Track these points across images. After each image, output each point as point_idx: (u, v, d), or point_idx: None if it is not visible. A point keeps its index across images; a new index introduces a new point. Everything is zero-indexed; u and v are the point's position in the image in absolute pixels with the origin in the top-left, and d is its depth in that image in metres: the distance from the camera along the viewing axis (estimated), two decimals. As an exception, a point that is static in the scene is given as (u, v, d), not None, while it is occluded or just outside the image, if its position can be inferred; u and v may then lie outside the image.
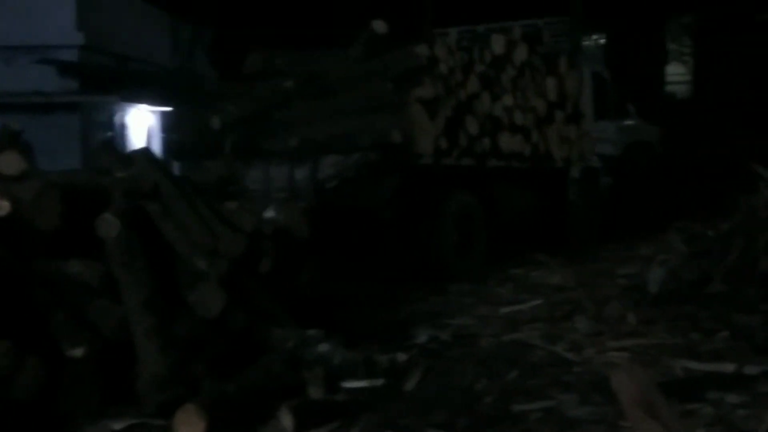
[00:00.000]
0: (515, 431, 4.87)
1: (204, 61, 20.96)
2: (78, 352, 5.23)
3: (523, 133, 11.12)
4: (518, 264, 10.66)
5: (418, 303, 8.62)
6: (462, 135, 10.11)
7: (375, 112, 9.64)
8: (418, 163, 9.71)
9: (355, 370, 5.87)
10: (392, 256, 10.00)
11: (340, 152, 9.82)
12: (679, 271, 8.69)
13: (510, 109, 10.89)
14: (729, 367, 5.99)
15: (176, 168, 11.28)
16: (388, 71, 9.87)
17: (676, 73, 16.99)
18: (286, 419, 4.99)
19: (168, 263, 6.04)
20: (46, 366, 5.10)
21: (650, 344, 6.73)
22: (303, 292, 7.11)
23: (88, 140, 14.18)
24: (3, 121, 6.84)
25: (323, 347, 5.94)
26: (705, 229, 9.61)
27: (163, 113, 16.45)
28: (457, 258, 10.18)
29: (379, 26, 10.26)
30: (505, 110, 10.81)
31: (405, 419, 5.13)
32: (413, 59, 9.75)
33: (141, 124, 16.42)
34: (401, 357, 6.39)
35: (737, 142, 17.14)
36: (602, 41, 17.54)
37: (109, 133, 15.03)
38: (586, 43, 14.52)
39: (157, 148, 15.15)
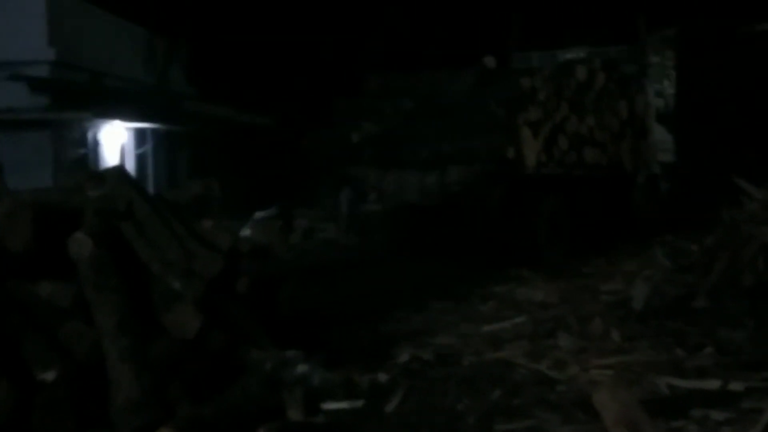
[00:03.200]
0: (499, 452, 4.77)
1: (181, 78, 20.85)
2: (50, 375, 5.07)
3: (601, 147, 13.84)
4: (501, 281, 10.58)
5: (400, 322, 8.51)
6: (555, 150, 12.84)
7: (491, 132, 12.30)
8: (523, 173, 12.33)
9: (335, 391, 5.76)
10: (496, 246, 12.17)
11: (462, 163, 12.35)
12: (664, 286, 8.66)
13: (591, 128, 13.62)
14: (714, 384, 5.93)
15: (151, 186, 11.16)
16: (498, 98, 12.55)
17: (659, 87, 17.56)
18: (265, 443, 4.86)
19: (142, 284, 5.90)
20: (17, 390, 4.94)
21: (634, 361, 6.66)
22: (282, 311, 6.98)
23: (60, 158, 13.99)
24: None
25: (302, 368, 5.83)
26: (689, 244, 9.60)
27: (138, 130, 16.32)
28: (547, 248, 12.42)
29: (489, 61, 13.77)
30: (587, 129, 13.54)
31: (387, 441, 5.02)
32: (519, 89, 12.51)
33: (115, 141, 16.24)
34: (382, 377, 6.29)
35: (720, 156, 17.67)
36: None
37: (82, 151, 14.85)
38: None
39: (130, 165, 15.01)
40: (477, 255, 12.06)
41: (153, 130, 17.88)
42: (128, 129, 16.60)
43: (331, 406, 5.61)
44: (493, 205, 12.23)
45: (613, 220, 14.15)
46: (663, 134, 16.73)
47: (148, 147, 17.86)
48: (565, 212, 12.90)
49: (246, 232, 7.38)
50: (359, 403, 5.70)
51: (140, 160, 17.40)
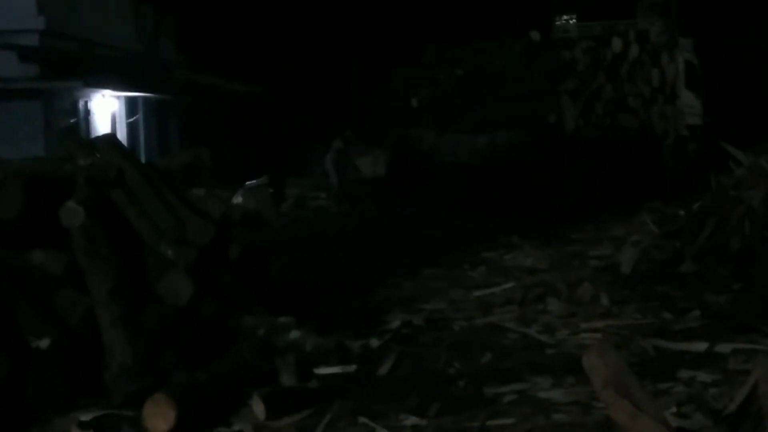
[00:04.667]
0: (488, 414, 4.85)
1: (170, 46, 20.69)
2: (43, 343, 5.13)
3: (634, 112, 15.55)
4: (491, 247, 10.65)
5: (391, 288, 8.57)
6: (592, 115, 14.73)
7: (534, 99, 14.24)
8: (562, 136, 14.17)
9: (327, 356, 5.82)
10: (537, 201, 13.66)
11: (509, 127, 14.23)
12: (651, 251, 8.73)
13: (625, 95, 15.46)
14: (701, 346, 6.01)
15: (142, 155, 11.16)
16: (542, 68, 14.62)
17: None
18: (259, 407, 4.94)
19: (135, 252, 5.93)
20: (11, 358, 4.99)
21: (623, 325, 6.73)
22: (274, 279, 7.03)
23: (50, 127, 13.92)
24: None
25: (295, 334, 5.88)
26: (676, 209, 9.66)
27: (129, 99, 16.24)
28: (583, 203, 13.83)
29: (534, 35, 15.81)
30: (621, 96, 15.36)
31: (378, 405, 5.09)
32: (560, 60, 14.61)
33: (106, 110, 16.15)
34: (374, 343, 6.36)
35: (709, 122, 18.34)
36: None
37: (73, 120, 14.77)
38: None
39: (122, 134, 14.96)
40: (519, 210, 13.24)
41: (144, 99, 17.80)
42: (119, 98, 16.52)
43: (323, 371, 5.67)
44: (536, 166, 13.97)
45: (643, 179, 15.20)
46: (691, 99, 17.74)
47: (139, 116, 17.78)
48: (600, 171, 14.49)
49: (237, 200, 7.41)
50: (352, 368, 5.77)
51: (131, 129, 17.33)
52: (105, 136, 6.96)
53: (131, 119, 17.40)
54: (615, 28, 17.42)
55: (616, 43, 15.43)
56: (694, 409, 4.73)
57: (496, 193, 14.30)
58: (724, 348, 5.92)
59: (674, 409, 4.70)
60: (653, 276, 8.12)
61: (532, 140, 14.19)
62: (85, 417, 4.90)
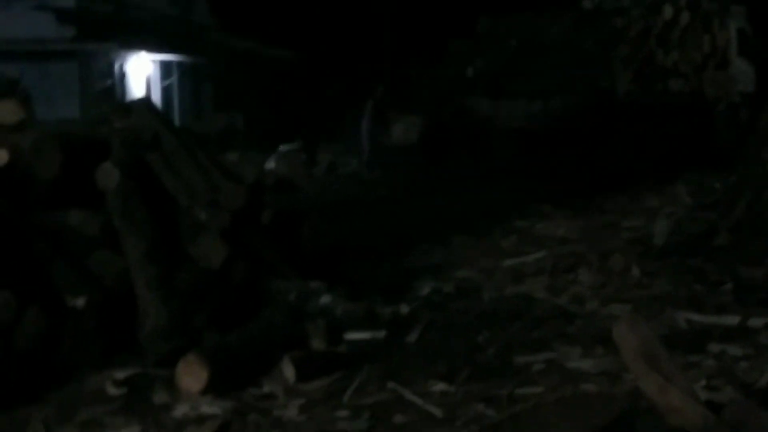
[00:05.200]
0: (516, 382, 4.86)
1: (204, 10, 20.70)
2: (79, 302, 5.23)
3: (685, 78, 16.08)
4: (523, 216, 10.60)
5: (422, 255, 8.57)
6: (643, 81, 15.53)
7: (588, 66, 15.22)
8: (615, 102, 14.93)
9: (357, 321, 5.86)
10: (588, 165, 13.88)
11: (563, 94, 15.09)
12: (685, 223, 8.65)
13: (676, 61, 16.01)
14: (732, 320, 5.96)
15: (176, 119, 11.25)
16: (594, 36, 15.56)
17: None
18: (289, 370, 5.00)
19: (169, 214, 6.00)
20: (48, 317, 5.09)
21: (654, 296, 6.68)
22: (305, 244, 7.07)
23: (86, 89, 14.05)
24: (1, 70, 6.76)
25: (325, 299, 5.93)
26: (712, 181, 9.54)
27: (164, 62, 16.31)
28: (634, 164, 14.00)
29: (587, 3, 16.51)
30: (673, 62, 15.95)
31: (407, 370, 5.13)
32: (612, 27, 15.45)
33: (141, 73, 16.25)
34: (404, 309, 6.38)
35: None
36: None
37: (108, 82, 14.89)
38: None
39: (156, 97, 15.06)
40: (565, 175, 13.55)
41: (178, 63, 17.87)
42: (154, 61, 16.61)
43: (353, 336, 5.71)
44: (588, 129, 14.68)
45: (694, 144, 15.43)
46: (744, 66, 17.74)
47: (174, 79, 17.86)
48: (652, 135, 14.88)
49: (270, 165, 7.44)
50: (381, 334, 5.80)
51: (166, 92, 17.43)
52: (140, 100, 7.03)
53: (166, 82, 17.49)
54: None
55: (667, 11, 16.01)
56: (724, 383, 4.71)
57: (547, 157, 14.72)
58: (756, 322, 5.86)
59: (704, 382, 4.68)
60: (686, 248, 8.03)
61: (586, 106, 15.06)
62: (120, 375, 5.00)
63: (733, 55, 17.42)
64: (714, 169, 12.65)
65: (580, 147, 14.71)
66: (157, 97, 16.30)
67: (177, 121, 15.90)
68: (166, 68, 17.39)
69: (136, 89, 15.51)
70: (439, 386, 4.86)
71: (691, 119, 16.10)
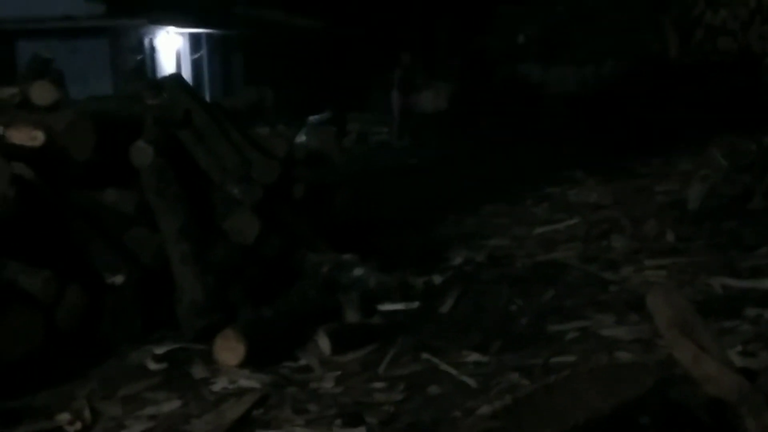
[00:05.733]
0: (550, 351, 4.87)
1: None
2: (118, 279, 5.33)
3: (733, 35, 16.55)
4: (555, 183, 10.54)
5: (453, 225, 8.58)
6: (693, 41, 16.13)
7: (637, 30, 15.91)
8: (666, 64, 15.41)
9: (390, 293, 5.90)
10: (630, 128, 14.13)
11: (614, 57, 15.69)
12: (720, 186, 8.54)
13: (724, 19, 16.50)
14: (768, 284, 5.91)
15: (206, 92, 11.31)
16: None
17: None
18: (324, 343, 5.06)
19: (202, 191, 6.07)
20: (88, 294, 5.20)
21: (689, 262, 6.63)
22: (337, 216, 7.11)
23: (117, 65, 14.14)
24: (33, 48, 6.82)
25: (358, 271, 5.98)
26: (748, 143, 9.40)
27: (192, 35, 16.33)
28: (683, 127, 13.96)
29: None
30: (721, 20, 16.43)
31: (440, 341, 5.17)
32: None
33: (170, 47, 16.31)
34: (436, 279, 6.40)
35: None
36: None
37: (139, 57, 14.97)
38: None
39: (186, 71, 15.12)
40: (626, 136, 13.76)
41: (207, 35, 17.91)
42: (183, 35, 16.66)
43: (387, 307, 5.75)
44: (635, 93, 14.93)
45: (743, 99, 15.46)
46: None
47: (203, 52, 17.92)
48: (701, 95, 15.08)
49: (301, 138, 7.47)
50: (414, 305, 5.84)
51: (195, 66, 17.50)
52: (172, 76, 7.06)
53: (195, 56, 17.55)
54: None
55: None
56: (761, 348, 4.68)
57: (596, 122, 14.98)
58: (792, 285, 5.82)
59: (740, 348, 4.65)
60: (721, 212, 7.94)
61: (638, 69, 15.52)
62: (159, 350, 5.10)
63: None
64: (749, 130, 12.44)
65: (630, 111, 14.86)
66: (187, 71, 16.37)
67: (207, 95, 15.98)
68: (195, 41, 17.44)
69: (166, 64, 15.59)
70: (473, 356, 4.89)
71: (741, 74, 16.28)
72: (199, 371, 4.84)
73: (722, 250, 6.90)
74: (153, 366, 4.95)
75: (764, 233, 7.16)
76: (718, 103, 14.99)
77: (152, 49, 15.66)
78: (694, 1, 16.51)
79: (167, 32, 15.92)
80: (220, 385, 4.66)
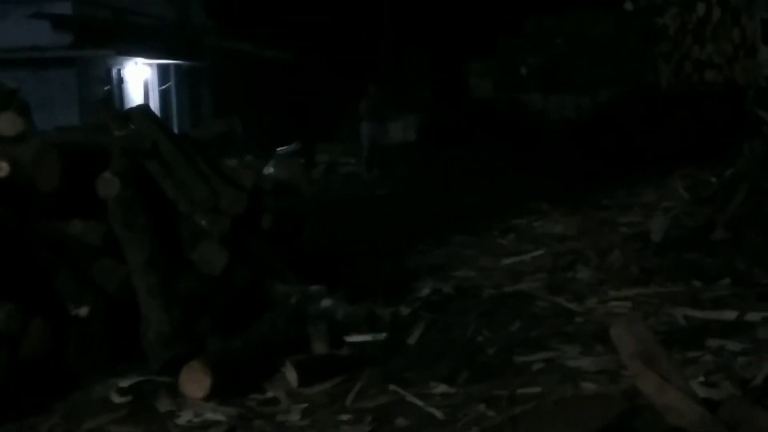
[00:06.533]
0: (516, 382, 4.90)
1: (201, 13, 20.73)
2: (83, 311, 5.28)
3: (718, 68, 17.69)
4: (521, 214, 10.64)
5: (421, 255, 8.62)
6: (682, 73, 17.14)
7: (631, 62, 17.02)
8: (658, 93, 16.62)
9: (358, 324, 5.91)
10: (631, 146, 15.53)
11: (610, 87, 16.96)
12: (682, 218, 8.68)
13: (710, 53, 17.57)
14: (731, 315, 5.99)
15: (174, 123, 11.30)
16: (636, 34, 17.16)
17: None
18: (291, 374, 5.05)
19: (170, 222, 6.05)
20: (52, 326, 5.14)
21: (652, 293, 6.72)
22: (305, 247, 7.12)
23: (85, 95, 14.08)
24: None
25: (326, 302, 5.98)
26: (709, 175, 9.57)
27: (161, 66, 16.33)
28: (675, 148, 15.14)
29: (628, 5, 17.88)
30: (707, 54, 17.49)
31: (408, 372, 5.18)
32: (653, 25, 16.98)
33: (138, 78, 16.28)
34: (404, 310, 6.42)
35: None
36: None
37: (107, 88, 14.92)
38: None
39: (154, 102, 15.08)
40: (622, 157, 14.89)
41: (176, 66, 17.91)
42: (151, 65, 16.64)
43: (354, 338, 5.75)
44: (631, 119, 16.40)
45: (728, 126, 16.33)
46: None
47: (171, 83, 17.90)
48: (692, 121, 16.47)
49: (269, 169, 7.48)
50: (382, 336, 5.84)
51: (164, 96, 17.47)
52: (139, 107, 7.05)
53: (163, 86, 17.53)
54: None
55: (700, 7, 17.50)
56: (723, 378, 4.74)
57: (591, 145, 16.38)
58: (754, 316, 5.88)
59: (702, 378, 4.70)
60: (684, 243, 8.06)
61: (632, 97, 16.90)
62: (124, 383, 5.05)
63: (760, 43, 18.68)
64: (709, 162, 12.70)
65: (623, 135, 16.20)
66: (155, 102, 16.35)
67: (175, 126, 15.97)
68: (163, 72, 17.43)
69: (134, 94, 15.55)
70: (441, 388, 4.90)
71: (726, 104, 17.25)
72: (164, 404, 4.80)
73: (685, 281, 6.99)
74: (118, 399, 4.90)
75: (726, 265, 7.28)
76: (704, 129, 16.09)
77: (120, 79, 15.62)
78: (683, 37, 17.65)
79: (135, 63, 15.91)
80: (185, 418, 4.63)
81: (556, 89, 18.04)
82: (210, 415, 4.63)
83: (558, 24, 19.26)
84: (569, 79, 17.82)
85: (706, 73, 17.96)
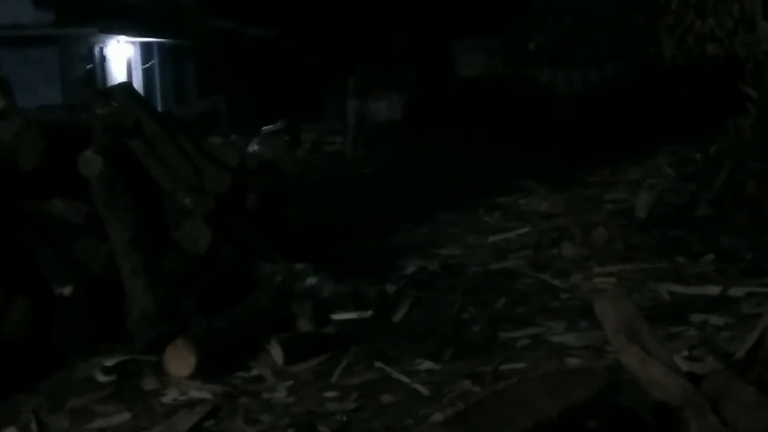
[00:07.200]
0: (501, 358, 4.92)
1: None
2: (66, 290, 5.24)
3: (719, 41, 18.69)
4: (506, 192, 10.65)
5: (407, 234, 8.62)
6: (685, 47, 18.20)
7: (636, 36, 18.08)
8: (661, 66, 17.55)
9: (343, 302, 5.91)
10: (637, 117, 16.37)
11: (616, 61, 18.27)
12: (667, 195, 8.71)
13: (712, 27, 18.62)
14: (714, 290, 6.04)
15: (158, 101, 11.23)
16: (641, 9, 18.11)
17: None
18: (277, 352, 5.04)
19: (153, 200, 6.01)
20: (35, 306, 5.11)
21: (637, 269, 6.75)
22: (290, 226, 7.10)
23: (67, 74, 13.94)
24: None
25: (312, 280, 5.97)
26: (693, 152, 9.60)
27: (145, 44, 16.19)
28: (676, 120, 15.84)
29: None
30: (709, 28, 18.55)
31: (394, 350, 5.19)
32: (656, 2, 17.91)
33: (121, 56, 16.13)
34: (390, 288, 6.42)
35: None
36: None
37: (89, 66, 14.77)
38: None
39: (137, 80, 14.96)
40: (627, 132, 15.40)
41: (159, 45, 17.75)
42: (134, 43, 16.48)
43: (340, 316, 5.76)
44: (635, 91, 17.39)
45: (728, 99, 16.43)
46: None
47: (155, 61, 17.75)
48: (694, 93, 16.93)
49: (254, 147, 7.44)
50: (367, 314, 5.85)
51: (147, 74, 17.32)
52: (121, 85, 6.99)
53: (147, 65, 17.38)
54: None
55: None
56: (706, 353, 4.78)
57: (598, 118, 16.98)
58: (737, 292, 5.93)
59: (686, 353, 4.75)
60: (668, 220, 8.10)
61: (637, 71, 18.03)
62: (109, 362, 5.03)
63: (759, 18, 19.17)
64: (694, 139, 12.75)
65: (632, 107, 16.98)
66: (138, 81, 16.20)
67: (159, 104, 15.85)
68: (146, 50, 17.27)
69: (117, 73, 15.40)
70: (426, 364, 4.92)
71: (726, 77, 17.45)
72: (149, 383, 4.79)
73: (669, 257, 7.03)
74: (102, 378, 4.89)
75: (710, 241, 7.33)
76: (706, 99, 16.38)
77: (103, 58, 15.47)
78: (686, 11, 18.42)
79: (118, 41, 15.75)
80: (170, 396, 4.62)
81: (564, 64, 19.24)
82: (195, 393, 4.62)
83: (563, 2, 20.29)
84: (576, 55, 18.97)
85: (708, 47, 18.86)
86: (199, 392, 4.63)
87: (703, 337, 5.12)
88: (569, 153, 13.82)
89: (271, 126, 15.26)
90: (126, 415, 4.43)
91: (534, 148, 14.48)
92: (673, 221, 8.04)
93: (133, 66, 16.56)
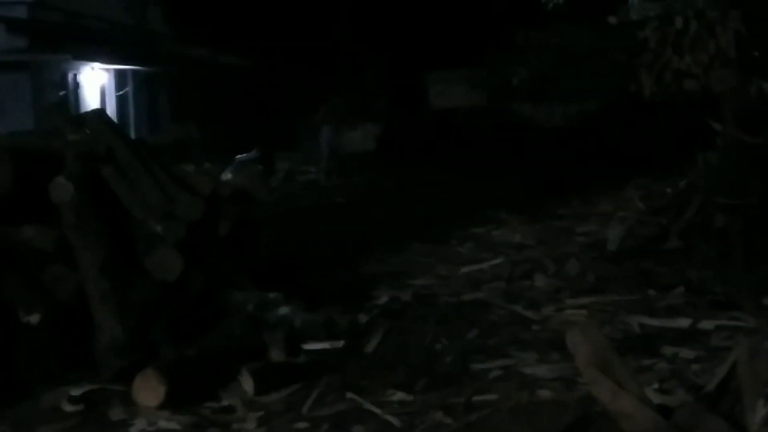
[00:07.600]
0: (473, 390, 4.91)
1: (159, 18, 20.55)
2: (34, 318, 5.17)
3: (696, 77, 18.16)
4: (479, 223, 10.69)
5: (379, 263, 8.62)
6: (662, 83, 17.15)
7: (615, 72, 17.76)
8: (640, 102, 16.56)
9: (316, 332, 5.87)
10: (615, 151, 17.02)
11: (596, 96, 18.61)
12: (637, 227, 8.79)
13: (688, 64, 18.15)
14: (684, 323, 6.08)
15: (131, 129, 11.17)
16: (620, 46, 17.72)
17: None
18: (248, 382, 5.00)
19: (124, 228, 5.96)
20: (2, 333, 5.03)
21: (608, 301, 6.80)
22: (263, 254, 7.07)
23: (39, 100, 13.83)
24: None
25: (284, 310, 5.94)
26: (663, 186, 9.70)
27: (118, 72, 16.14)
28: (659, 150, 16.23)
29: (612, 19, 17.82)
30: (686, 65, 18.02)
31: (365, 380, 5.17)
32: (635, 38, 16.87)
33: (95, 83, 16.06)
34: (362, 318, 6.41)
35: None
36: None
37: (62, 93, 14.68)
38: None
39: (111, 107, 14.89)
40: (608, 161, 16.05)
41: (133, 72, 17.69)
42: (108, 71, 16.41)
43: (312, 346, 5.72)
44: (617, 125, 18.00)
45: (700, 133, 17.09)
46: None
47: (129, 89, 17.68)
48: (672, 126, 17.55)
49: (227, 175, 7.41)
50: (340, 344, 5.82)
51: (121, 102, 17.24)
52: (94, 112, 6.95)
53: (120, 92, 17.30)
54: (673, 6, 20.55)
55: (678, 21, 18.81)
56: (677, 386, 4.80)
57: (586, 148, 17.67)
58: (707, 324, 5.99)
59: (657, 386, 4.77)
60: (639, 252, 8.18)
61: (617, 106, 18.23)
62: (76, 391, 4.96)
63: (733, 53, 19.40)
64: (666, 173, 12.94)
65: (610, 139, 17.86)
66: (111, 108, 16.11)
67: (132, 132, 15.77)
68: (120, 78, 17.22)
69: (90, 100, 15.33)
70: (398, 395, 4.90)
71: (703, 111, 17.98)
72: (117, 413, 4.72)
73: (640, 289, 7.09)
74: (69, 407, 4.81)
75: (679, 273, 7.40)
76: (684, 132, 16.75)
77: (76, 84, 15.38)
78: (663, 49, 19.04)
79: (92, 68, 15.68)
80: (138, 427, 4.56)
81: (545, 98, 19.71)
82: (164, 424, 4.56)
83: (545, 38, 20.57)
84: (557, 90, 19.40)
85: (685, 82, 19.38)
86: (168, 423, 4.57)
87: (673, 369, 5.15)
88: (543, 184, 13.93)
89: (244, 154, 15.25)
90: (93, 446, 4.36)
91: (508, 180, 14.56)
92: (643, 254, 8.12)
93: (106, 93, 16.49)
